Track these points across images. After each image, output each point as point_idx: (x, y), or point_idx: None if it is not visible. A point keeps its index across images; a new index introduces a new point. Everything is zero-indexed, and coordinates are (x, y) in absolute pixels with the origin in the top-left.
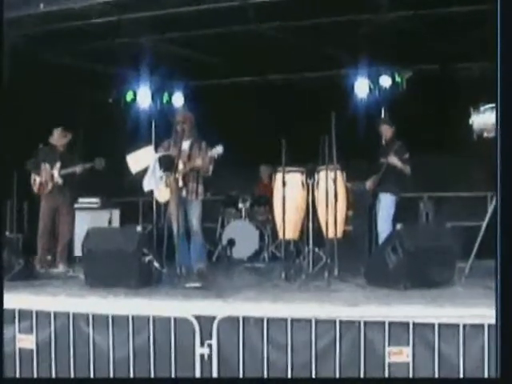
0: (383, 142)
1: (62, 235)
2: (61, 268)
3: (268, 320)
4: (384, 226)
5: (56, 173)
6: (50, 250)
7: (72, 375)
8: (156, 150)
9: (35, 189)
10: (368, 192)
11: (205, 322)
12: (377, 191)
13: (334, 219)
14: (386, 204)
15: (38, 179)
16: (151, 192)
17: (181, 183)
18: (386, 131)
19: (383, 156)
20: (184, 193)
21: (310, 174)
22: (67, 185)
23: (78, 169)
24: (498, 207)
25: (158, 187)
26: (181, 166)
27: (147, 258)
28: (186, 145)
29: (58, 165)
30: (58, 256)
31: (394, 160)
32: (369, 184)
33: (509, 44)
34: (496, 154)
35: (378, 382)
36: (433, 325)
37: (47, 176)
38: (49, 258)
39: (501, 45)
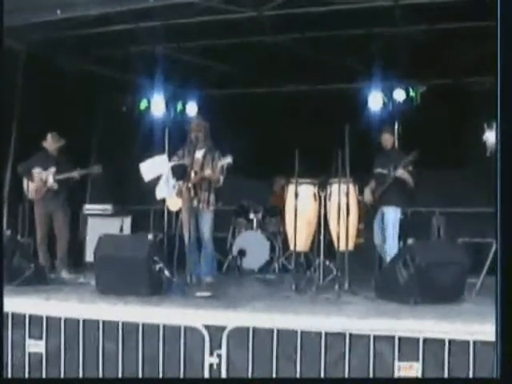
0: (385, 151)
1: (59, 241)
2: (63, 274)
3: (278, 331)
4: (390, 240)
5: (51, 178)
6: (53, 255)
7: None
8: (170, 158)
9: (29, 194)
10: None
11: (214, 331)
12: (378, 204)
13: (345, 232)
14: (391, 218)
15: (31, 185)
16: (163, 200)
17: (192, 192)
18: (387, 140)
19: (382, 167)
20: (196, 202)
21: (323, 186)
22: (62, 190)
23: (74, 174)
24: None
25: (170, 196)
26: (193, 175)
27: (158, 266)
28: (199, 154)
29: (52, 169)
30: (59, 262)
31: (403, 174)
32: (367, 196)
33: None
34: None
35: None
36: (443, 340)
37: (40, 181)
38: (56, 263)
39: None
